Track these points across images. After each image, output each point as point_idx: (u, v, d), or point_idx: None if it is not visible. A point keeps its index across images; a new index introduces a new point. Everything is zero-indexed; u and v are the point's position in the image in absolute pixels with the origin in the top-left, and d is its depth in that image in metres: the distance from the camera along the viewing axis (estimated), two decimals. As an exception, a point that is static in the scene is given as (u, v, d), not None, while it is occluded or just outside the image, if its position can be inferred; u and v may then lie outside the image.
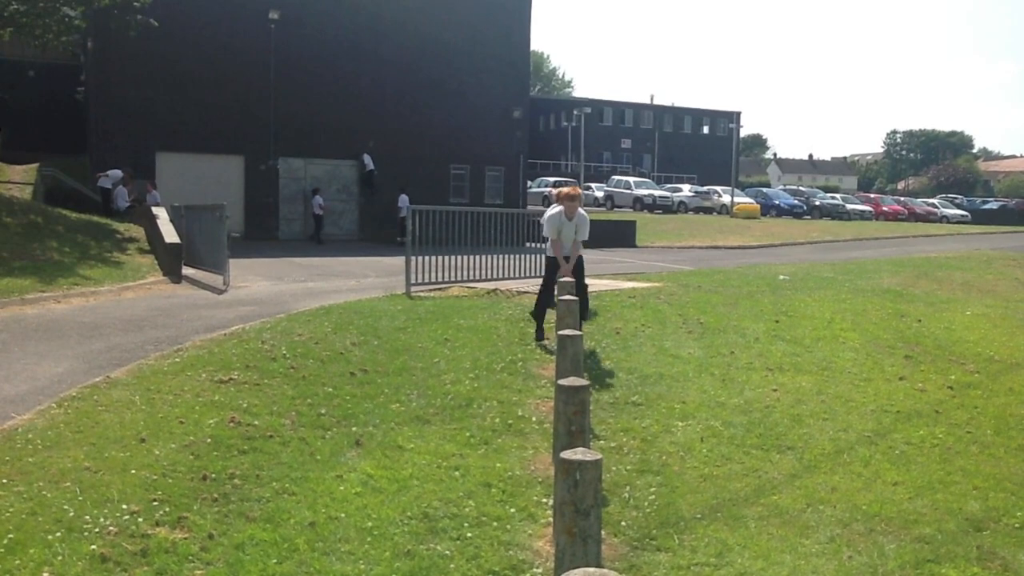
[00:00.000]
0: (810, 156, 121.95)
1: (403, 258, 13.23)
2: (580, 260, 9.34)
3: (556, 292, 8.41)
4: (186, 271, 15.69)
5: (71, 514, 4.63)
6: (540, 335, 9.42)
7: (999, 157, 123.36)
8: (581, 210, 9.21)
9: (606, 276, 14.77)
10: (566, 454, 3.42)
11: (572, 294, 7.49)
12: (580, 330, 7.18)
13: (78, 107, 33.15)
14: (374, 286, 14.54)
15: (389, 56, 28.99)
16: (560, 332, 5.75)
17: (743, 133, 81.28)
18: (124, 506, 4.77)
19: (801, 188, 61.28)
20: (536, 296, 9.90)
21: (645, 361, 8.55)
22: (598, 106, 68.70)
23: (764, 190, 54.23)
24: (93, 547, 4.28)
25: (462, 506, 5.11)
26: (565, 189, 9.59)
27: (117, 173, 23.29)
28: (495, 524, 4.90)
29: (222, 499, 4.99)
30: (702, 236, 31.27)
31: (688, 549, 4.73)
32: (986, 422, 7.29)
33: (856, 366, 8.84)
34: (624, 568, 4.47)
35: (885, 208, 52.77)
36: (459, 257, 13.76)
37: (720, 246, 28.63)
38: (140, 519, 4.64)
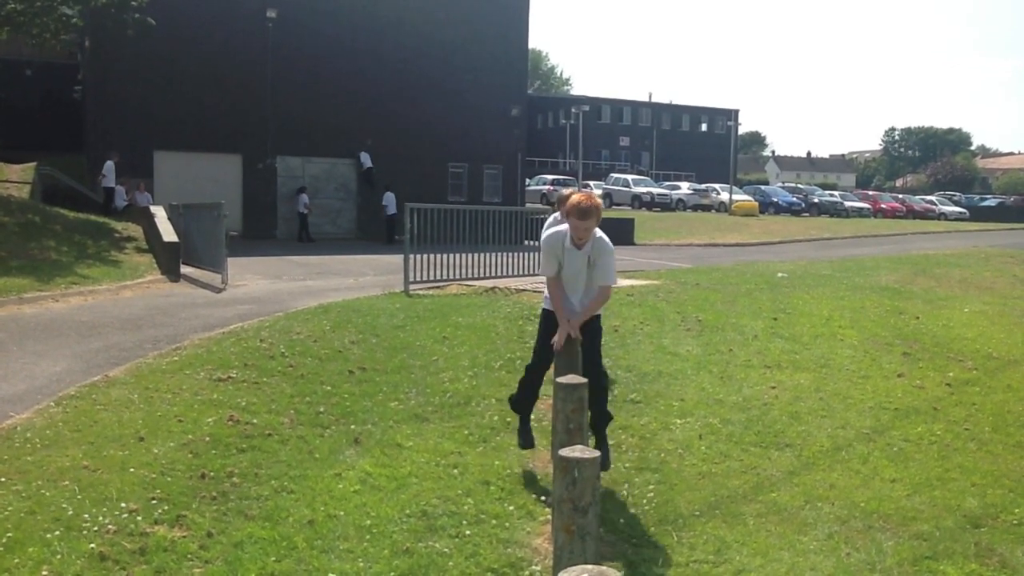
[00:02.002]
0: (808, 153, 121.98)
1: (401, 256, 13.23)
2: (595, 324, 5.59)
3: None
4: (184, 270, 15.69)
5: (70, 513, 4.63)
6: (525, 437, 5.82)
7: (997, 154, 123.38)
8: (601, 235, 5.35)
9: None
10: (564, 452, 3.42)
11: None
12: (594, 446, 5.06)
13: (75, 106, 33.11)
14: (372, 284, 14.54)
15: (387, 54, 28.97)
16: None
17: (741, 131, 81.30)
18: (123, 504, 4.77)
19: (799, 186, 61.40)
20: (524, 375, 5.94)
21: (643, 359, 8.55)
22: (596, 104, 68.72)
23: (762, 188, 54.29)
24: (92, 545, 4.28)
25: (461, 504, 5.11)
26: (574, 196, 5.33)
27: (110, 165, 23.30)
28: (494, 522, 4.91)
29: (221, 497, 4.99)
30: (700, 234, 31.28)
31: (687, 547, 4.73)
32: (984, 419, 7.30)
33: (854, 363, 8.85)
34: (622, 565, 4.48)
35: (883, 205, 52.86)
36: (457, 255, 13.76)
37: (718, 244, 28.63)
38: (139, 517, 4.64)
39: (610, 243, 5.43)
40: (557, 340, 5.28)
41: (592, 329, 5.53)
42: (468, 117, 30.68)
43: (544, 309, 5.74)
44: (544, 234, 5.61)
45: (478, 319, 10.35)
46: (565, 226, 5.41)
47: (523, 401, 5.88)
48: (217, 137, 26.53)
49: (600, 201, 5.35)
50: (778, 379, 8.13)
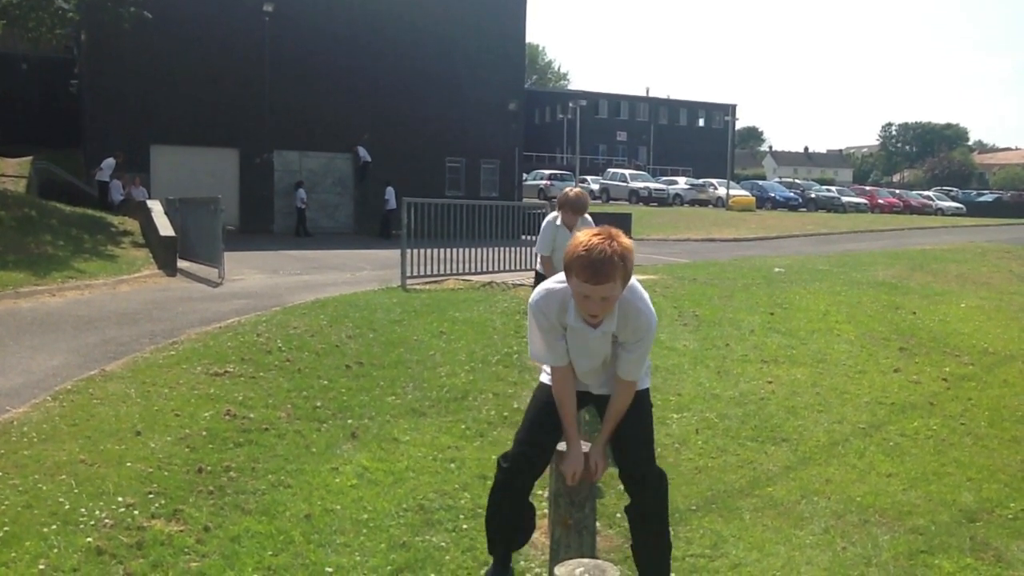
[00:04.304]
0: (806, 149, 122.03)
1: (398, 251, 13.23)
2: (640, 402, 3.38)
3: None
4: (181, 264, 15.68)
5: (67, 507, 4.63)
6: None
7: (994, 150, 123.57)
8: (635, 295, 3.13)
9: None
10: (561, 446, 3.42)
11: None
12: None
13: (72, 100, 33.02)
14: (369, 279, 14.53)
15: (384, 49, 28.93)
16: None
17: (739, 126, 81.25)
18: (120, 499, 4.77)
19: (797, 181, 61.45)
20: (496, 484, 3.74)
21: (640, 353, 8.53)
22: (593, 99, 68.67)
23: (760, 183, 54.34)
24: (89, 540, 4.28)
25: (457, 498, 5.11)
26: (579, 237, 2.94)
27: (111, 162, 23.29)
28: (491, 516, 4.90)
29: (218, 491, 4.99)
30: (697, 229, 31.30)
31: (683, 541, 4.74)
32: (980, 414, 7.31)
33: (851, 358, 8.86)
34: (619, 559, 4.48)
35: (880, 201, 52.96)
36: (455, 250, 13.78)
37: (716, 239, 28.65)
38: (136, 512, 4.63)
39: (649, 307, 3.13)
40: (570, 472, 3.25)
41: (636, 410, 3.32)
42: (465, 111, 30.66)
43: (543, 383, 3.49)
44: (534, 296, 3.21)
45: (475, 314, 10.35)
46: (562, 283, 3.07)
47: (498, 531, 3.69)
48: (214, 131, 26.49)
49: (629, 243, 2.92)
50: (775, 374, 8.14)
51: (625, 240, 2.90)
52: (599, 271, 2.80)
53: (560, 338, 3.14)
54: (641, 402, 3.35)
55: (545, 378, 3.45)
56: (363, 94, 28.72)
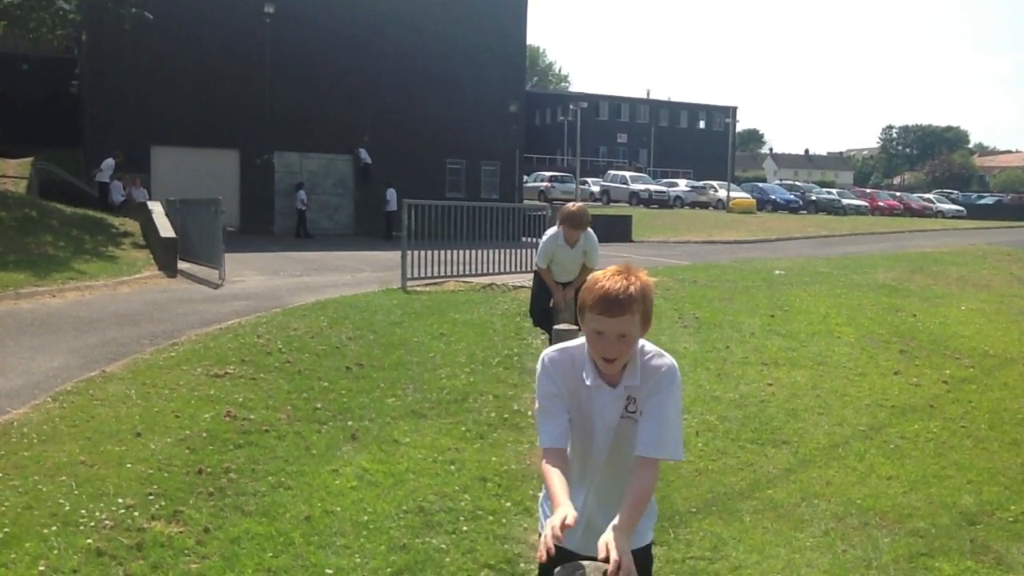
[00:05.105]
0: (806, 151, 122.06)
1: (398, 252, 13.24)
2: (643, 563, 2.56)
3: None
4: (181, 265, 15.69)
5: (67, 508, 4.63)
6: None
7: (995, 152, 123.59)
8: (651, 351, 2.56)
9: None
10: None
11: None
12: None
13: (73, 101, 33.03)
14: (370, 280, 14.53)
15: (385, 50, 28.95)
16: (556, 327, 5.66)
17: (739, 128, 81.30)
18: (120, 500, 4.77)
19: (797, 183, 61.52)
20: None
21: (641, 355, 8.52)
22: (594, 100, 68.61)
23: (760, 185, 54.37)
24: (89, 541, 4.28)
25: (457, 500, 5.11)
26: (595, 274, 2.52)
27: (110, 162, 23.29)
28: (490, 518, 4.90)
29: (218, 493, 4.99)
30: (698, 231, 31.29)
31: (683, 543, 4.74)
32: (980, 416, 7.31)
33: (851, 361, 8.86)
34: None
35: (881, 203, 53.01)
36: (455, 252, 13.78)
37: (716, 241, 28.64)
38: (136, 513, 4.63)
39: (672, 363, 2.60)
40: (549, 539, 2.25)
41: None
42: (466, 113, 30.67)
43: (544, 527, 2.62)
44: (546, 352, 2.74)
45: (475, 316, 10.35)
46: (580, 342, 2.65)
47: None
48: (215, 132, 26.50)
49: (649, 280, 2.54)
50: (775, 376, 8.13)
51: (645, 277, 2.55)
52: (614, 301, 2.45)
53: (561, 408, 2.64)
54: (643, 563, 2.59)
55: (543, 511, 2.84)
56: (363, 94, 28.73)
